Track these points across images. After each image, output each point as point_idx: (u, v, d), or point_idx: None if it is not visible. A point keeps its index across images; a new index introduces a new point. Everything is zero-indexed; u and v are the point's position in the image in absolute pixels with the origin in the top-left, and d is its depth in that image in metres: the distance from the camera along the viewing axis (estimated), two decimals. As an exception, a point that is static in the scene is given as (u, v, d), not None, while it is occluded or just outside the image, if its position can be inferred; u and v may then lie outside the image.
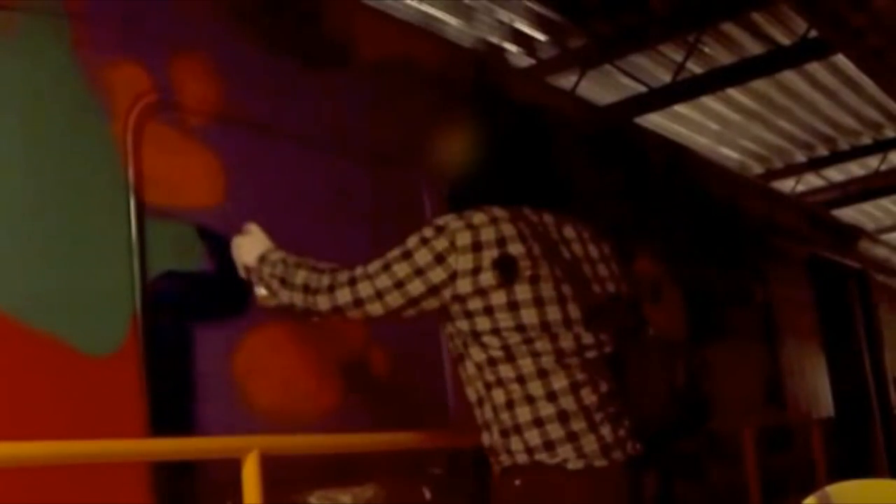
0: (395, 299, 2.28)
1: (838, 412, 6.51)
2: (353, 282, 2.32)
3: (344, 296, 2.32)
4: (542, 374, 2.22)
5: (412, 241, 2.28)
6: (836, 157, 10.78)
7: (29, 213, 2.31)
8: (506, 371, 2.24)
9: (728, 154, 10.27)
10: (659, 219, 4.75)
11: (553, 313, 2.24)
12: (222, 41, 2.81)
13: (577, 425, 2.20)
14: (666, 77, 8.05)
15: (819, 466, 5.12)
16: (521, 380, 2.22)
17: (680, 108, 8.81)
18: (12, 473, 2.03)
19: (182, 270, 2.60)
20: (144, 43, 2.60)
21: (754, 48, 7.81)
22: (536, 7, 6.86)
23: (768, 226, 6.17)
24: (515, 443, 2.23)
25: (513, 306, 2.22)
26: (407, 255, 2.27)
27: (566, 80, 7.68)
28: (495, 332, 2.24)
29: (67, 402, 2.27)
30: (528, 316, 2.23)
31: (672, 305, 2.94)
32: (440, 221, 2.30)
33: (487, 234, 2.24)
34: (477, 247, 2.23)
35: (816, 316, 6.52)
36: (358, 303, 2.31)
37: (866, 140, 10.50)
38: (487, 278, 2.22)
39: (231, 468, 2.24)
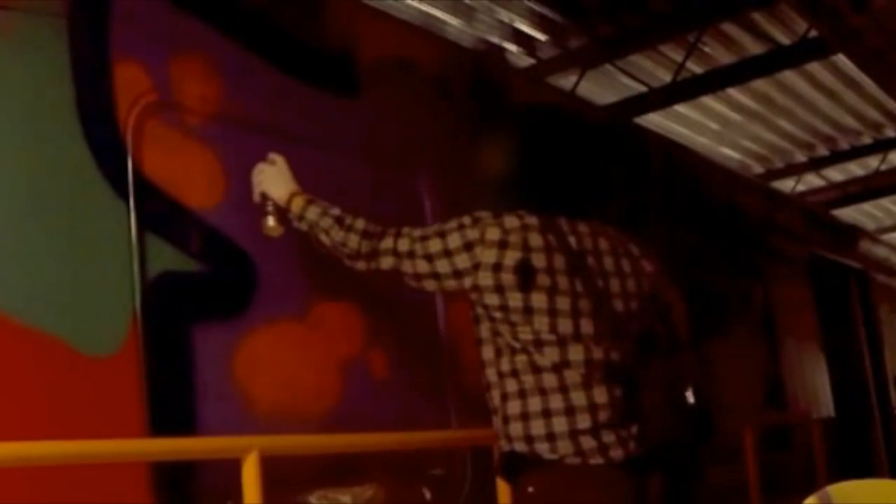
0: (422, 266, 2.45)
1: (838, 412, 6.51)
2: (398, 234, 2.49)
3: (386, 244, 2.49)
4: (556, 368, 2.33)
5: (450, 224, 2.45)
6: (837, 157, 10.78)
7: (29, 213, 2.31)
8: (521, 363, 2.35)
9: (728, 154, 10.27)
10: (659, 219, 4.75)
11: (564, 326, 2.34)
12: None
13: (582, 423, 2.30)
14: (666, 77, 8.05)
15: (819, 466, 5.12)
16: (535, 370, 2.33)
17: (680, 108, 8.81)
18: (12, 473, 2.03)
19: (182, 270, 2.60)
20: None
21: (754, 48, 7.81)
22: (536, 7, 6.86)
23: (768, 226, 6.17)
24: (516, 429, 2.33)
25: (527, 311, 2.34)
26: (442, 235, 2.44)
27: (566, 80, 7.68)
28: (511, 328, 2.36)
29: (67, 403, 2.27)
30: (540, 323, 2.34)
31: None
32: (478, 213, 2.44)
33: (515, 237, 2.36)
34: (503, 244, 2.36)
35: (816, 316, 6.52)
36: (396, 254, 2.48)
37: (866, 140, 10.50)
38: (508, 278, 2.34)
39: (230, 469, 2.24)
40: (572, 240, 2.42)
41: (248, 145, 2.81)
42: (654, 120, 8.62)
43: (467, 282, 2.39)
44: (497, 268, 2.35)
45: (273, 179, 2.66)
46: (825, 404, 6.39)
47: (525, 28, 7.16)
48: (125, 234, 2.45)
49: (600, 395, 2.33)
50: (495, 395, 2.39)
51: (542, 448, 2.30)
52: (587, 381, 2.33)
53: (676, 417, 2.49)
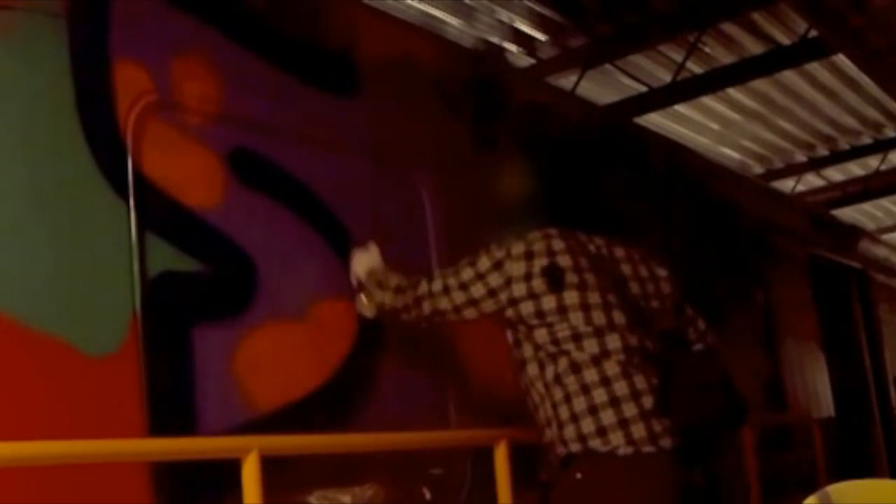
0: (458, 297, 2.60)
1: (838, 412, 6.51)
2: (430, 279, 2.68)
3: (421, 290, 2.67)
4: (596, 361, 2.46)
5: (479, 253, 2.62)
6: (836, 157, 10.77)
7: (29, 213, 2.31)
8: (562, 366, 2.48)
9: (728, 154, 10.26)
10: (659, 218, 4.75)
11: (598, 318, 2.50)
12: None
13: (629, 411, 2.42)
14: (666, 77, 8.04)
15: (819, 466, 5.12)
16: (575, 369, 2.46)
17: (680, 108, 8.80)
18: (12, 473, 2.03)
19: (182, 270, 2.60)
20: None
21: (754, 48, 7.81)
22: (536, 7, 6.85)
23: (768, 226, 6.17)
24: (569, 432, 2.45)
25: (562, 310, 2.50)
26: (472, 263, 2.61)
27: (566, 80, 7.68)
28: (548, 329, 2.50)
29: (67, 402, 2.27)
30: (576, 319, 2.49)
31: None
32: (503, 240, 2.63)
33: (539, 246, 2.55)
34: (529, 255, 2.53)
35: (816, 316, 6.52)
36: (431, 295, 2.64)
37: (866, 140, 10.49)
38: (538, 284, 2.51)
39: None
40: (591, 247, 2.60)
41: (247, 145, 2.81)
42: (654, 120, 8.62)
43: (503, 297, 2.55)
44: (528, 277, 2.51)
45: (361, 261, 2.88)
46: (825, 404, 6.39)
47: (525, 28, 7.16)
48: (125, 234, 2.45)
49: (640, 382, 2.46)
50: (547, 407, 2.51)
51: (596, 443, 2.41)
52: (626, 369, 2.46)
53: (708, 401, 2.57)
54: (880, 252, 8.21)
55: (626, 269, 2.65)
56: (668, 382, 2.50)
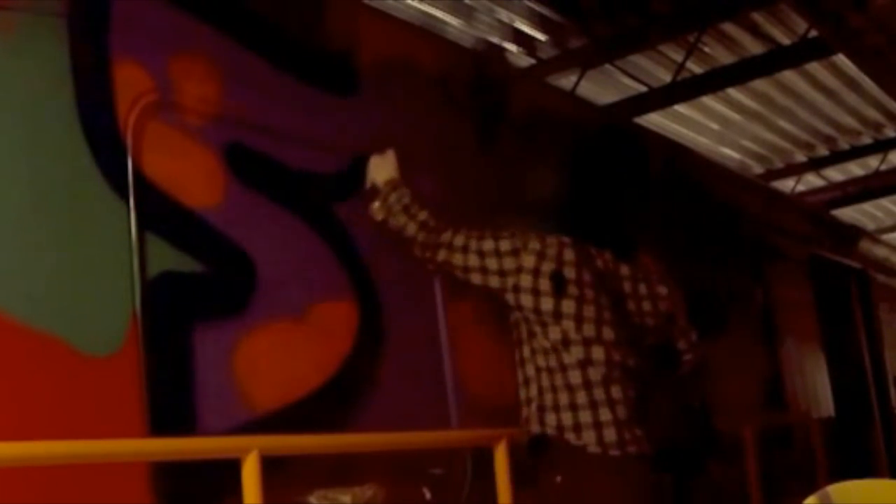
0: (473, 260, 2.81)
1: (838, 412, 6.51)
2: (455, 231, 2.86)
3: (444, 238, 2.86)
4: (581, 365, 2.69)
5: (503, 231, 2.83)
6: (836, 157, 10.77)
7: (29, 213, 2.31)
8: (552, 362, 2.72)
9: (728, 154, 10.27)
10: (659, 219, 4.75)
11: (588, 330, 2.72)
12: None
13: (604, 416, 2.66)
14: (666, 77, 8.04)
15: (819, 466, 5.12)
16: (563, 368, 2.70)
17: (680, 108, 8.80)
18: (12, 473, 2.03)
19: (182, 270, 2.60)
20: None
21: (754, 48, 7.81)
22: (536, 7, 6.86)
23: (768, 226, 6.17)
24: (550, 419, 2.71)
25: (557, 315, 2.72)
26: (496, 238, 2.82)
27: (566, 80, 7.68)
28: (542, 328, 2.73)
29: (67, 402, 2.27)
30: (568, 325, 2.72)
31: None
32: (525, 230, 2.84)
33: (552, 250, 2.77)
34: (541, 255, 2.76)
35: (816, 316, 6.51)
36: (450, 247, 2.84)
37: (866, 140, 10.49)
38: (544, 283, 2.73)
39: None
40: (599, 262, 2.82)
41: (247, 145, 2.81)
42: (654, 120, 8.62)
43: (510, 281, 2.76)
44: (536, 272, 2.73)
45: (378, 167, 3.00)
46: (825, 404, 6.39)
47: (525, 28, 7.16)
48: (125, 234, 2.45)
49: (617, 392, 2.69)
50: (532, 388, 2.75)
51: (571, 436, 2.65)
52: (606, 379, 2.69)
53: (679, 423, 2.85)
54: (880, 252, 8.21)
55: (627, 286, 2.87)
56: (645, 399, 2.74)
